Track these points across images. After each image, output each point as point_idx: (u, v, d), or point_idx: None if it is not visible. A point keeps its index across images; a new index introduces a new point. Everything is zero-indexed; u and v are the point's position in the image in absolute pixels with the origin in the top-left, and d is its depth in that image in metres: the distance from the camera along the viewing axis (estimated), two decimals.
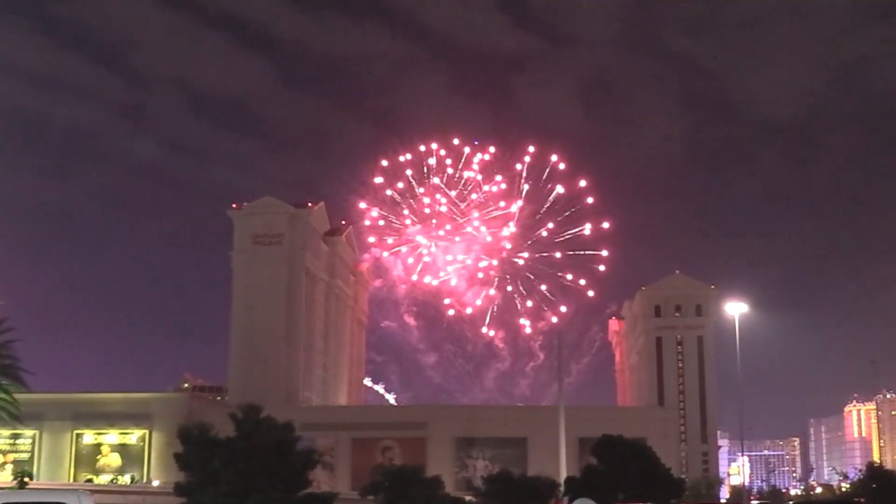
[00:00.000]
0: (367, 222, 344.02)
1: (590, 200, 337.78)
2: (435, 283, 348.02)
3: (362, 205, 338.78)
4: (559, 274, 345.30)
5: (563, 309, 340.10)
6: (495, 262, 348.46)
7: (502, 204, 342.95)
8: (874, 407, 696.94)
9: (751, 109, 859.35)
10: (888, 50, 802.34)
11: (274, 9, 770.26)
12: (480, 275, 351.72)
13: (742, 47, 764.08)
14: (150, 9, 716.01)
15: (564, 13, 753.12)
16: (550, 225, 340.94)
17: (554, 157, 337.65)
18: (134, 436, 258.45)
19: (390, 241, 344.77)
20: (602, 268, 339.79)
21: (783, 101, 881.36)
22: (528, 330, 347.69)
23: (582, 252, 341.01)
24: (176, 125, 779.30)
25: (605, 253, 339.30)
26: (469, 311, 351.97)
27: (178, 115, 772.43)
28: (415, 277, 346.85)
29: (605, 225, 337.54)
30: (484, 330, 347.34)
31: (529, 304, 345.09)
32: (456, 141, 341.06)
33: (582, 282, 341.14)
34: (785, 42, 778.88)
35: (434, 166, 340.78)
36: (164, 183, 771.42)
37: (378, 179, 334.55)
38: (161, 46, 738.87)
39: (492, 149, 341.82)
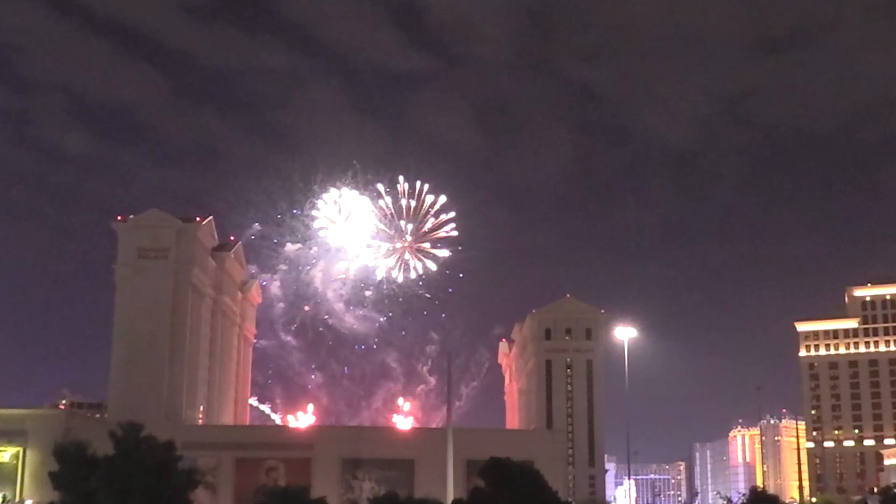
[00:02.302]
0: (253, 237, 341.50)
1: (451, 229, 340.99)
2: (315, 302, 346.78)
3: (256, 224, 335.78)
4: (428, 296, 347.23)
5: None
6: (376, 281, 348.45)
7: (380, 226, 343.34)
8: (758, 432, 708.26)
9: (644, 137, 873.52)
10: (777, 82, 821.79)
11: (165, 18, 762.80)
12: (367, 295, 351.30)
13: (636, 76, 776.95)
14: (35, 13, 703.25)
15: (460, 34, 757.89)
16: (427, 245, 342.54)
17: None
18: (7, 453, 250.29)
19: (271, 259, 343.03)
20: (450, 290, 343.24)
21: (676, 130, 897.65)
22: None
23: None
24: (59, 133, 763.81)
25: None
26: (349, 330, 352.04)
27: (61, 123, 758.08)
28: (295, 297, 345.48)
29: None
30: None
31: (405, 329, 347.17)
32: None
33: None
34: (678, 72, 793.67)
35: (322, 185, 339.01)
36: (45, 192, 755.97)
37: (264, 196, 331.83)
38: (46, 52, 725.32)
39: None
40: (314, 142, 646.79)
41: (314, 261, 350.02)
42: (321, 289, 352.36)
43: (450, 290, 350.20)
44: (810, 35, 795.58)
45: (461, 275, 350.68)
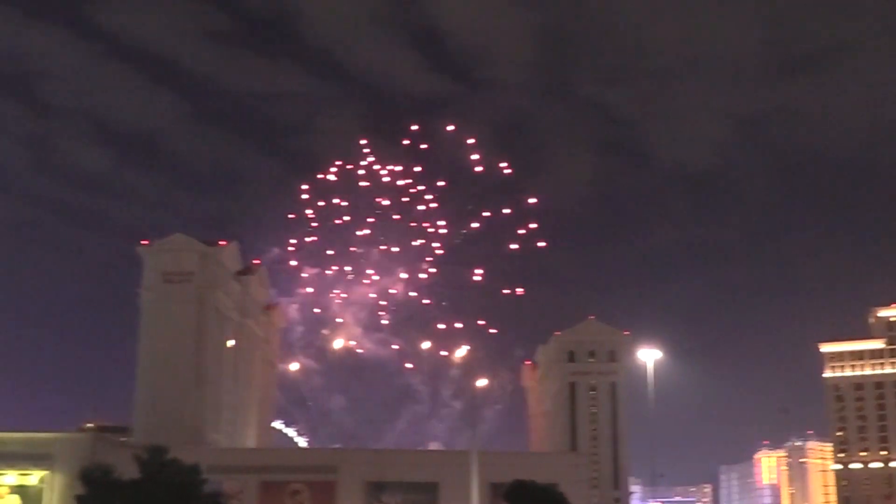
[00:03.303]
0: (271, 261, 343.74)
1: None
2: (333, 327, 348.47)
3: (275, 248, 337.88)
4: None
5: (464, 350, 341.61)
6: (395, 305, 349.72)
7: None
8: (784, 454, 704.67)
9: (663, 159, 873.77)
10: (798, 103, 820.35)
11: (187, 44, 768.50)
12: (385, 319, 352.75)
13: (655, 98, 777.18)
14: (59, 39, 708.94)
15: (480, 58, 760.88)
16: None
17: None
18: (34, 477, 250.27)
19: (290, 283, 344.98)
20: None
21: (695, 152, 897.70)
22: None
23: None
24: (83, 157, 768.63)
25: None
26: (369, 354, 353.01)
27: (85, 148, 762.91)
28: (314, 321, 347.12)
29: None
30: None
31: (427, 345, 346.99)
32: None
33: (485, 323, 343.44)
34: (697, 94, 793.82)
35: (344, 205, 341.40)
36: (69, 216, 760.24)
37: (282, 220, 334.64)
38: (70, 77, 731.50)
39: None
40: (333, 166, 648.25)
41: (332, 285, 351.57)
42: (339, 312, 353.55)
43: (473, 312, 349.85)
44: (831, 56, 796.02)
45: (485, 297, 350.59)
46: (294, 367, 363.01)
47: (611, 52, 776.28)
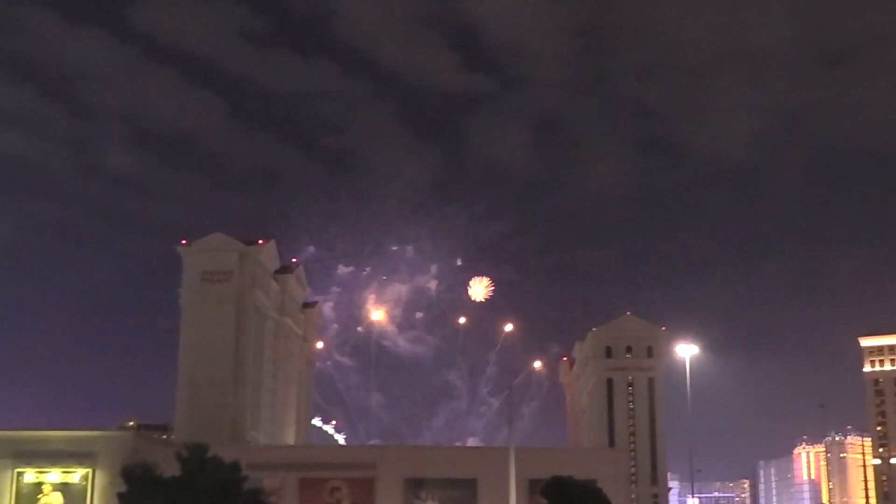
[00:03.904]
0: (307, 260, 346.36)
1: None
2: (367, 324, 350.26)
3: (311, 247, 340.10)
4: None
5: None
6: (429, 303, 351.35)
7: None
8: (823, 449, 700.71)
9: (700, 153, 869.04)
10: (835, 95, 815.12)
11: (224, 45, 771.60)
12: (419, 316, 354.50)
13: (691, 92, 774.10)
14: (99, 42, 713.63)
15: (515, 55, 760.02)
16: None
17: None
18: (77, 475, 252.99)
19: (324, 281, 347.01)
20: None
21: (732, 146, 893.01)
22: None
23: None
24: (123, 159, 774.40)
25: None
26: (404, 351, 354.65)
27: (125, 149, 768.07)
28: (348, 319, 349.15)
29: None
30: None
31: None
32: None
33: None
34: (733, 87, 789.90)
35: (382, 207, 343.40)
36: (111, 218, 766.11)
37: (318, 219, 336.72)
38: (110, 79, 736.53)
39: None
40: (370, 164, 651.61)
41: (366, 283, 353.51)
42: (373, 311, 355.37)
43: (510, 311, 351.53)
44: (867, 48, 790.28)
45: (521, 294, 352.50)
46: (326, 364, 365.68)
47: (646, 47, 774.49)
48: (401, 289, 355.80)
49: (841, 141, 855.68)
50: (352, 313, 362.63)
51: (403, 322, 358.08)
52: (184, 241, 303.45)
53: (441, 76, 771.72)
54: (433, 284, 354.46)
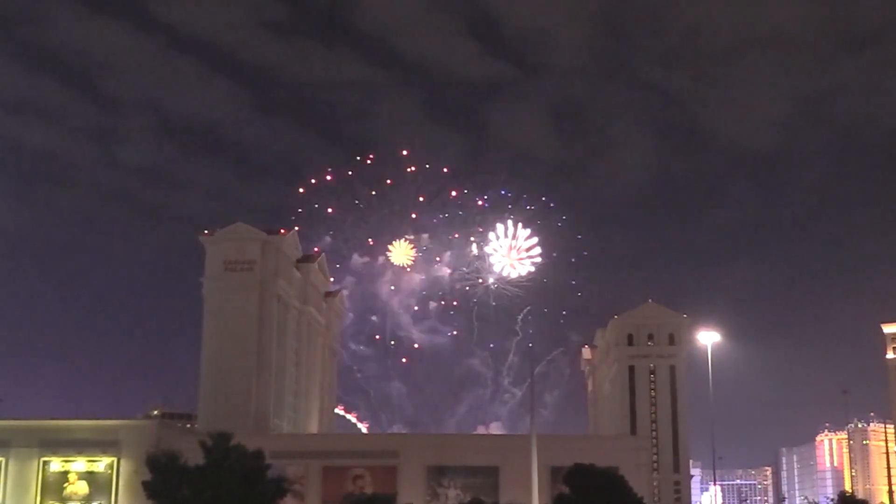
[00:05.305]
0: (324, 249, 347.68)
1: None
2: (383, 314, 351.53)
3: (327, 236, 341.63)
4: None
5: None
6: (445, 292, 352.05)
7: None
8: (846, 436, 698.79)
9: (722, 140, 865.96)
10: (859, 81, 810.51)
11: (245, 35, 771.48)
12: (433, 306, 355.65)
13: (713, 78, 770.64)
14: (121, 33, 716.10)
15: (536, 42, 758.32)
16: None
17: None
18: (102, 463, 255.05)
19: (340, 271, 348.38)
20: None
21: (754, 132, 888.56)
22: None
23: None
24: (146, 149, 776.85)
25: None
26: (420, 341, 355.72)
27: (148, 140, 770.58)
28: (363, 309, 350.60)
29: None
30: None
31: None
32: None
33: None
34: (756, 73, 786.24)
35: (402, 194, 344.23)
36: (134, 208, 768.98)
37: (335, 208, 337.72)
38: (133, 70, 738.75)
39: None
40: (392, 152, 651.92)
41: (382, 273, 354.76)
42: (388, 300, 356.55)
43: (529, 299, 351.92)
44: (893, 33, 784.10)
45: (545, 280, 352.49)
46: (345, 352, 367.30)
47: (668, 33, 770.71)
48: (416, 278, 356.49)
49: (865, 127, 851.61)
50: (366, 303, 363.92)
51: (419, 312, 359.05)
52: (206, 231, 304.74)
53: (462, 64, 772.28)
54: (446, 273, 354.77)
